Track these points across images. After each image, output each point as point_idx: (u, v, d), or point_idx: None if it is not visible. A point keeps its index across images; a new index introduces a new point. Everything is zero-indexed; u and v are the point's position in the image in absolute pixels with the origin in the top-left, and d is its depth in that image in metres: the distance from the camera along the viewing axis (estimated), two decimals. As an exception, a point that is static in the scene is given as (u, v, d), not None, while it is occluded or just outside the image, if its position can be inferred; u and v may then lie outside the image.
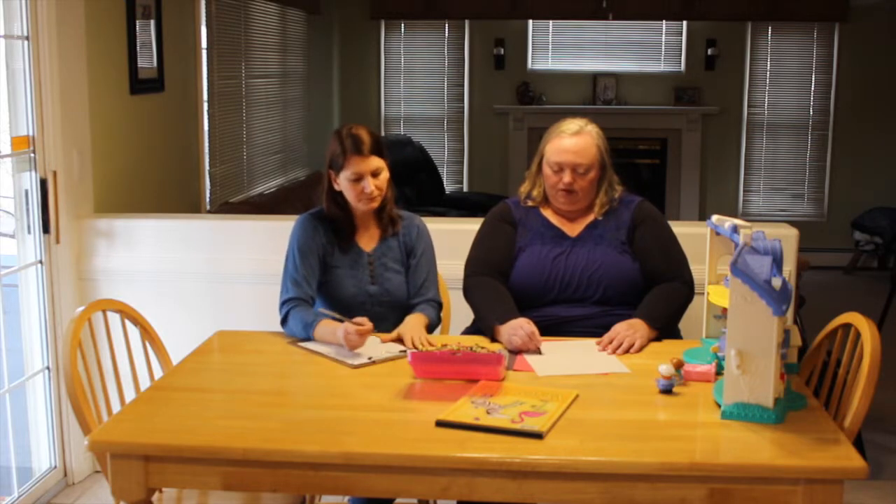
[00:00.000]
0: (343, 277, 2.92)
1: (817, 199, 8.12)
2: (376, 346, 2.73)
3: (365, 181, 2.83)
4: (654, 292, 2.89)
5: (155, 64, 4.45)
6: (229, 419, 2.24)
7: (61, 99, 3.55)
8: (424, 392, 2.41)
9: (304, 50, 7.36)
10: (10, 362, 3.46)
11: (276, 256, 3.10)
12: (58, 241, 3.61)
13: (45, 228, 3.57)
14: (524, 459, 2.01)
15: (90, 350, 2.64)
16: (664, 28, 8.06)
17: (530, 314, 2.82)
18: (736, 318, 2.14)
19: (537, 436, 2.08)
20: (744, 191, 8.18)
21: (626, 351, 2.68)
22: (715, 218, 2.58)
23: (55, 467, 3.69)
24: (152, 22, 4.40)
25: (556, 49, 8.20)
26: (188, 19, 4.97)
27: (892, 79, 7.78)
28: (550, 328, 2.82)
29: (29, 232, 3.55)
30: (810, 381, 2.61)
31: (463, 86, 8.26)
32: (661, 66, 8.13)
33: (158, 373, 2.72)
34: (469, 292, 2.96)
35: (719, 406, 2.22)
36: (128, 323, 2.76)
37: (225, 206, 5.36)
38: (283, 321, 2.85)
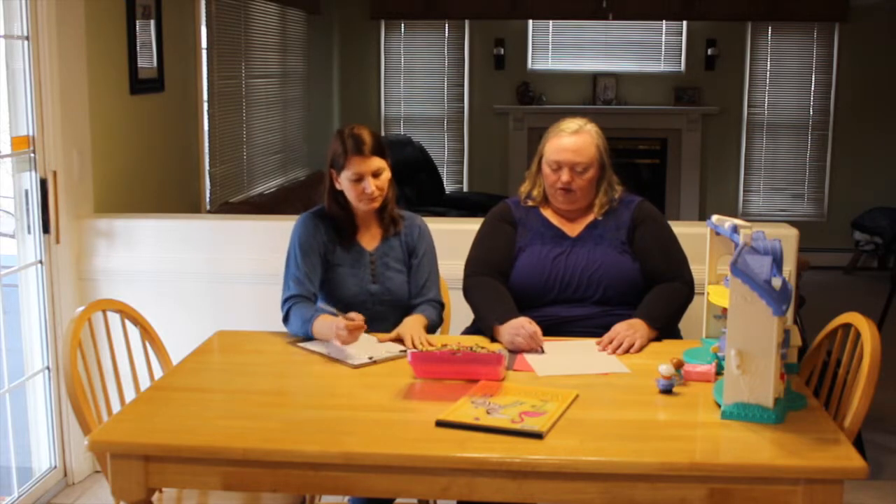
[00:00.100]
0: (345, 276, 2.92)
1: (817, 199, 8.12)
2: (376, 345, 2.73)
3: (366, 181, 2.83)
4: (654, 292, 2.89)
5: (155, 64, 4.45)
6: (229, 419, 2.24)
7: (61, 99, 3.55)
8: (424, 392, 2.41)
9: (304, 50, 7.36)
10: (10, 362, 3.46)
11: (276, 256, 3.10)
12: (58, 241, 3.61)
13: (45, 228, 3.57)
14: (524, 459, 2.01)
15: (90, 350, 2.64)
16: (664, 28, 8.06)
17: (530, 314, 2.81)
18: (736, 318, 2.14)
19: (537, 436, 2.08)
20: (744, 191, 8.17)
21: (626, 351, 2.68)
22: (715, 218, 2.58)
23: (55, 467, 3.69)
24: (152, 22, 4.40)
25: (556, 49, 8.19)
26: (188, 19, 4.97)
27: (892, 79, 7.78)
28: (550, 328, 2.82)
29: (29, 232, 3.55)
30: (810, 381, 2.60)
31: (463, 86, 8.26)
32: (661, 66, 8.12)
33: (158, 373, 2.72)
34: (469, 292, 2.96)
35: (719, 406, 2.22)
36: (128, 323, 2.76)
37: (225, 206, 5.36)
38: (285, 319, 2.85)
